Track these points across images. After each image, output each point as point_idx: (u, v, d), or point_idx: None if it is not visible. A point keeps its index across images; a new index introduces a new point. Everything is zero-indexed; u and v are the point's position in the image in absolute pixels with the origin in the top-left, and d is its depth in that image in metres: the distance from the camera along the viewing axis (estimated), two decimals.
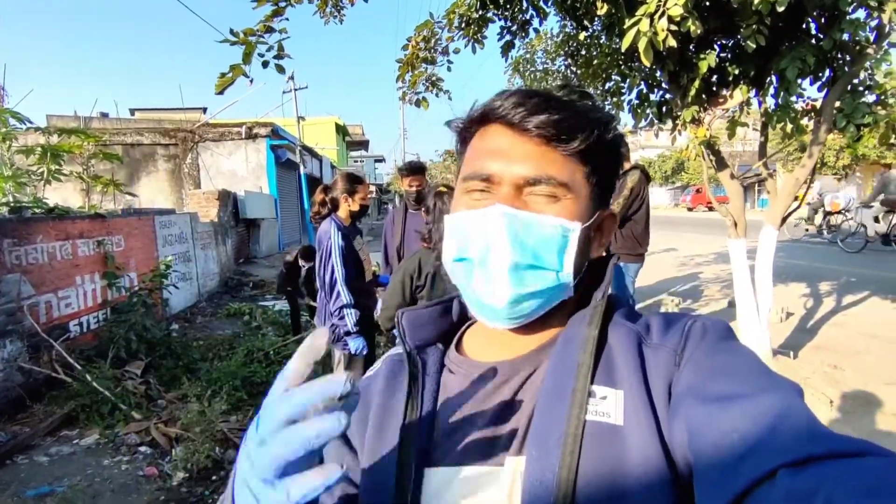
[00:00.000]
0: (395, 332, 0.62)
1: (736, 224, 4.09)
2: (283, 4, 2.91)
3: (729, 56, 3.79)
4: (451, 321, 0.71)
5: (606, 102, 4.74)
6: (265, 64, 2.97)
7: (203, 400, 3.75)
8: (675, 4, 2.64)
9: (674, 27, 2.72)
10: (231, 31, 2.71)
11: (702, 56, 3.45)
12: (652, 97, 4.33)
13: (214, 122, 13.85)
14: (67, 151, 5.21)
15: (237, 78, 2.88)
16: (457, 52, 4.37)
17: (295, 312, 5.74)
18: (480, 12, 3.98)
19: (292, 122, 16.46)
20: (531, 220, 0.56)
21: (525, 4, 4.02)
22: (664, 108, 4.28)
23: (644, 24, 2.75)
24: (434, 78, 4.57)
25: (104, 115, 14.91)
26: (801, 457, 0.38)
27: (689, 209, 33.41)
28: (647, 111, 4.27)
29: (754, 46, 3.08)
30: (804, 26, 3.53)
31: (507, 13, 4.20)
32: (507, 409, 0.58)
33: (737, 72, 3.65)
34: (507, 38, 4.39)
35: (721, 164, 4.16)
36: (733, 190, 4.15)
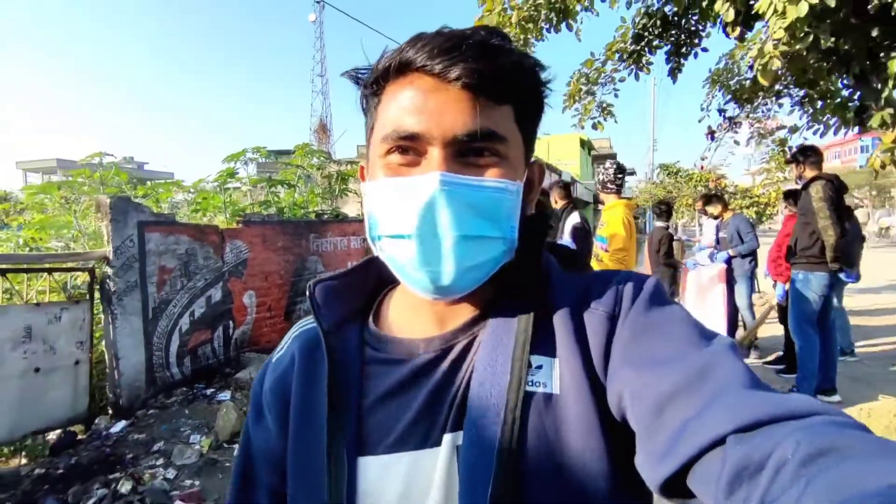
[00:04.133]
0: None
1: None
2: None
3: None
4: (368, 289, 0.65)
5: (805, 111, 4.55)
6: None
7: None
8: (779, 28, 2.79)
9: (784, 48, 2.86)
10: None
11: (892, 55, 3.22)
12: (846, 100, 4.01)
13: None
14: (350, 175, 7.56)
15: None
16: (622, 80, 4.89)
17: None
18: (635, 46, 4.45)
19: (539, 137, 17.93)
20: (474, 186, 0.50)
21: (681, 32, 4.31)
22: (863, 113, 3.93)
23: (754, 52, 2.97)
24: (605, 104, 5.15)
25: None
26: (747, 422, 0.37)
27: None
28: (829, 119, 4.01)
29: None
30: None
31: (670, 38, 4.54)
32: (442, 386, 0.54)
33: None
34: (674, 62, 4.70)
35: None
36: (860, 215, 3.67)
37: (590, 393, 0.50)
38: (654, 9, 4.32)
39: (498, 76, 0.50)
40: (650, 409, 0.43)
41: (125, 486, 2.92)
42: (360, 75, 0.57)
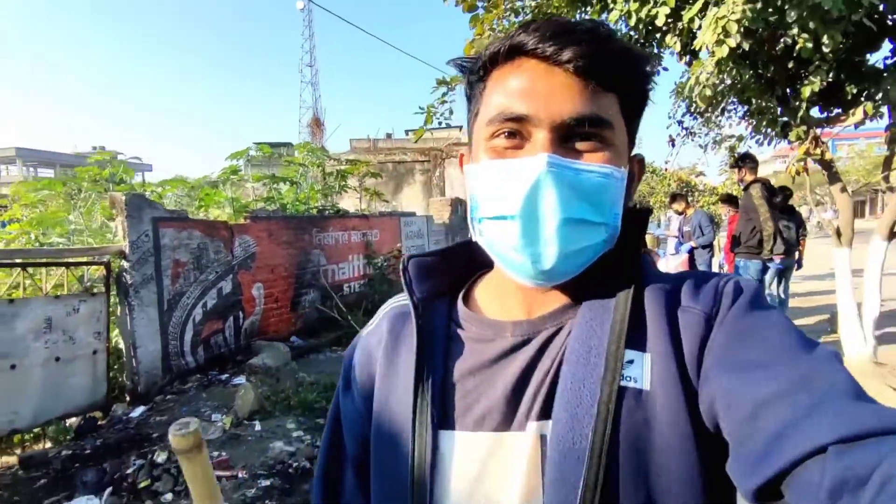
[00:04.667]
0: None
1: (840, 234, 4.25)
2: (448, 91, 4.54)
3: (846, 75, 3.91)
4: (460, 271, 0.65)
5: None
6: (440, 123, 4.62)
7: None
8: (710, 63, 3.20)
9: (714, 79, 3.31)
10: (419, 107, 4.46)
11: (807, 82, 3.72)
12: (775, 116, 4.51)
13: (459, 143, 16.59)
14: (349, 172, 7.76)
15: (423, 133, 4.83)
16: None
17: None
18: None
19: None
20: (581, 169, 0.50)
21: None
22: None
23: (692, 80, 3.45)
24: None
25: (388, 136, 19.44)
26: (853, 432, 0.36)
27: None
28: (768, 130, 4.53)
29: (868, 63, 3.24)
30: None
31: None
32: (528, 371, 0.53)
33: (855, 91, 3.80)
34: None
35: (833, 178, 4.35)
36: (843, 203, 4.37)
37: (680, 392, 0.48)
38: (622, 33, 4.65)
39: (608, 62, 0.50)
40: (746, 414, 0.42)
41: (161, 457, 3.12)
42: (464, 63, 0.58)
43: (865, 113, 3.82)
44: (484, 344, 0.57)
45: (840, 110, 4.23)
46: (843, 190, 4.44)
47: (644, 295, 0.54)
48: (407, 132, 25.03)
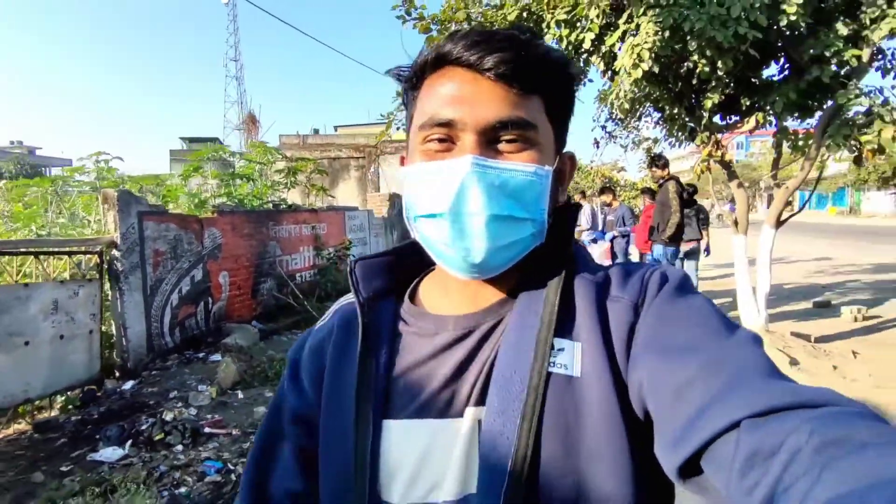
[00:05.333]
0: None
1: (737, 224, 5.44)
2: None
3: (741, 90, 5.02)
4: (405, 270, 0.68)
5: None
6: (398, 128, 5.49)
7: None
8: (628, 82, 4.27)
9: (630, 95, 4.39)
10: (381, 114, 5.36)
11: (708, 96, 4.75)
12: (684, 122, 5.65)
13: (392, 139, 17.35)
14: (300, 170, 8.38)
15: (384, 137, 5.72)
16: None
17: None
18: None
19: None
20: (505, 168, 0.53)
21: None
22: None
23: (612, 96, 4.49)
24: None
25: (315, 132, 19.73)
26: (762, 408, 0.38)
27: None
28: (679, 134, 5.65)
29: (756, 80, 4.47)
30: (788, 68, 4.71)
31: None
32: (467, 362, 0.57)
33: (748, 102, 4.89)
34: None
35: (732, 175, 5.49)
36: (740, 197, 5.46)
37: (610, 379, 0.51)
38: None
39: (527, 67, 0.53)
40: (669, 395, 0.45)
41: (168, 416, 3.80)
42: (401, 73, 0.61)
43: (757, 121, 4.67)
44: (427, 338, 0.60)
45: (738, 118, 5.12)
46: (740, 186, 5.45)
47: (574, 285, 0.57)
48: (336, 128, 25.34)
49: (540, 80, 0.55)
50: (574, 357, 0.53)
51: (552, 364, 0.52)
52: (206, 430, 3.71)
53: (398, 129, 5.68)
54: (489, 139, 0.54)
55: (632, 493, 0.49)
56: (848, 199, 38.24)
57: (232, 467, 3.21)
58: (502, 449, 0.50)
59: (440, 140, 0.55)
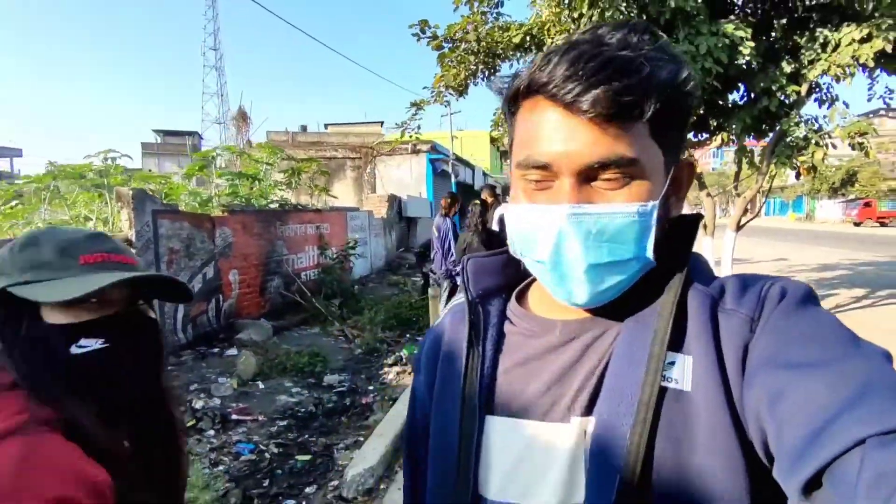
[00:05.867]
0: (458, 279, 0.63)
1: (705, 227, 6.09)
2: (418, 111, 5.74)
3: (709, 111, 5.64)
4: (515, 271, 0.69)
5: None
6: (411, 137, 5.75)
7: (372, 316, 6.47)
8: None
9: None
10: (395, 123, 5.63)
11: None
12: None
13: (388, 140, 17.47)
14: (304, 171, 8.49)
15: (397, 144, 6.16)
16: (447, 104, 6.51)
17: (425, 281, 8.37)
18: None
19: (455, 134, 19.45)
20: (602, 213, 0.52)
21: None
22: None
23: None
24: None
25: (303, 129, 19.74)
26: (891, 427, 0.37)
27: (856, 224, 32.02)
28: None
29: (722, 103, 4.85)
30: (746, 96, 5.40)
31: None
32: (573, 368, 0.57)
33: (715, 123, 5.54)
34: None
35: (701, 185, 6.30)
36: (708, 204, 6.34)
37: (722, 393, 0.49)
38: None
39: (628, 101, 0.49)
40: (791, 411, 0.43)
41: (198, 403, 3.90)
42: (502, 86, 0.59)
43: (723, 140, 5.52)
44: (532, 339, 0.61)
45: (707, 136, 5.94)
46: (708, 194, 6.41)
47: (688, 297, 0.55)
48: (327, 125, 25.40)
49: (644, 109, 0.50)
50: (685, 371, 0.52)
51: (664, 378, 0.51)
52: (234, 416, 3.81)
53: (410, 136, 6.05)
54: (587, 177, 0.52)
55: None
56: (805, 206, 44.32)
57: (264, 448, 3.32)
58: (614, 461, 0.49)
59: (537, 181, 0.54)
